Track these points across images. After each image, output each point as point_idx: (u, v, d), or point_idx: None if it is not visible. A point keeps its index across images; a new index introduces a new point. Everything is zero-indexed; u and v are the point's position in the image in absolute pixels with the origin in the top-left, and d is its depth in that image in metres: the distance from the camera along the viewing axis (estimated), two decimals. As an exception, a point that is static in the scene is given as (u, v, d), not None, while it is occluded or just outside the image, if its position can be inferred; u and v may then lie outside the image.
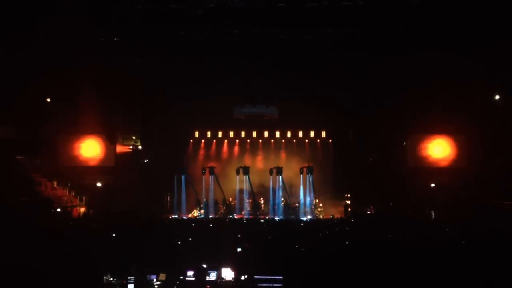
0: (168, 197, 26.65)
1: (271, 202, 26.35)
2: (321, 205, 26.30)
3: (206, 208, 26.49)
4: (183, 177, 26.23)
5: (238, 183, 26.56)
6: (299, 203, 26.55)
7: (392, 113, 23.96)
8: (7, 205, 18.18)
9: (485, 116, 23.33)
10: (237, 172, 26.35)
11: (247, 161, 27.56)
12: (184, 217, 24.92)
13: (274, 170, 26.18)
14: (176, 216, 25.42)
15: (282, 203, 26.80)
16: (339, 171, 27.31)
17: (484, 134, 23.45)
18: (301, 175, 26.24)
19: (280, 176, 26.11)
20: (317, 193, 26.18)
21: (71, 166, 25.98)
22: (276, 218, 24.67)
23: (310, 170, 25.99)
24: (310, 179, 26.07)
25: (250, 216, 25.65)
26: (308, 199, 26.26)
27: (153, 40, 20.39)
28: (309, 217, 25.36)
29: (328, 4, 17.13)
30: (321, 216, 25.28)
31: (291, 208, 26.51)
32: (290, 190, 26.68)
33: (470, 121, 23.91)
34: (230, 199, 26.70)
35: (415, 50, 20.33)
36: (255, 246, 11.75)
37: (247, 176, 26.25)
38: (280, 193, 26.39)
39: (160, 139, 26.82)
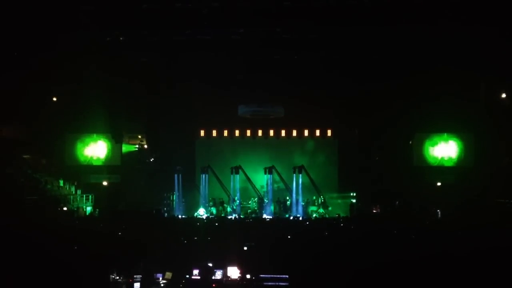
0: (174, 196, 26.67)
1: (265, 200, 26.30)
2: (327, 205, 26.19)
3: (216, 207, 26.49)
4: (180, 175, 26.18)
5: (240, 182, 26.50)
6: (304, 201, 26.48)
7: (398, 111, 23.84)
8: (14, 204, 18.29)
9: (493, 114, 23.18)
10: (231, 172, 26.32)
11: (251, 160, 27.46)
12: (190, 216, 24.93)
13: (268, 169, 26.12)
14: (182, 214, 25.44)
15: (288, 202, 26.78)
16: (344, 170, 27.22)
17: (492, 133, 23.30)
18: (294, 175, 26.09)
19: (271, 175, 25.98)
20: (322, 191, 26.08)
21: (78, 165, 26.09)
22: (268, 217, 24.64)
23: (300, 170, 25.87)
24: (300, 180, 25.87)
25: (253, 215, 25.63)
26: (299, 198, 26.07)
27: (158, 39, 20.41)
28: (314, 215, 25.31)
29: (333, 2, 17.09)
30: (326, 215, 25.20)
31: (286, 207, 26.51)
32: (297, 189, 26.53)
33: (478, 119, 23.76)
34: (235, 198, 26.67)
35: (422, 48, 20.23)
36: (260, 245, 11.76)
37: (238, 176, 26.11)
38: (270, 192, 26.25)
39: (165, 138, 26.83)
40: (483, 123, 23.67)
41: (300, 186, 25.96)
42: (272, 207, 26.37)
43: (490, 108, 23.56)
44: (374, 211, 24.65)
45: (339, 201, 26.83)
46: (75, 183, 25.43)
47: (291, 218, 24.12)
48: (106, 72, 22.44)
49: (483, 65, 20.46)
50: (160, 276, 9.28)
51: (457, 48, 19.73)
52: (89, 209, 24.55)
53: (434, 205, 22.41)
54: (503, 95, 23.74)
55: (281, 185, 26.92)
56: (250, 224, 20.13)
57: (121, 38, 20.52)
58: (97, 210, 24.23)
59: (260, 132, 28.66)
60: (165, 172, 26.46)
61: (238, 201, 26.44)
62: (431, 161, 25.63)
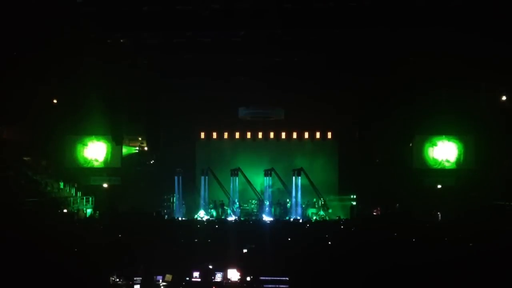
0: (175, 198, 26.66)
1: (266, 203, 26.26)
2: (327, 207, 26.14)
3: (216, 209, 26.49)
4: (180, 177, 26.13)
5: (240, 184, 26.47)
6: (304, 203, 26.47)
7: (399, 113, 23.85)
8: (14, 206, 18.28)
9: (493, 116, 23.20)
10: (232, 174, 26.28)
11: (251, 162, 27.44)
12: (190, 218, 24.91)
13: (267, 171, 26.07)
14: (182, 217, 25.43)
15: (288, 204, 26.76)
16: (345, 172, 27.20)
17: (492, 135, 23.31)
18: (293, 177, 25.99)
19: (271, 177, 25.94)
20: (322, 194, 26.05)
21: (78, 167, 26.07)
22: (268, 219, 24.63)
23: (299, 172, 25.84)
24: (299, 182, 25.78)
25: (253, 217, 25.63)
26: (298, 200, 26.01)
27: (159, 41, 20.43)
28: (314, 217, 25.29)
29: (334, 5, 17.11)
30: (326, 217, 25.18)
31: (286, 209, 26.51)
32: (296, 192, 26.50)
33: (478, 121, 23.78)
34: (235, 200, 26.66)
35: (423, 51, 20.24)
36: (260, 247, 11.75)
37: (237, 178, 26.08)
38: (270, 194, 26.22)
39: (166, 140, 26.85)
40: (483, 125, 23.69)
41: (299, 188, 25.93)
42: (272, 209, 26.37)
43: (490, 110, 23.57)
44: (375, 213, 24.64)
45: (340, 203, 26.80)
46: (75, 185, 25.42)
47: (291, 220, 24.11)
48: (107, 74, 22.45)
49: (483, 66, 20.45)
50: (160, 278, 9.28)
51: (456, 49, 19.73)
52: (89, 211, 24.52)
53: (434, 207, 22.39)
54: (503, 97, 23.75)
55: (281, 187, 26.92)
56: (250, 226, 20.13)
57: (121, 40, 20.54)
58: (97, 212, 24.20)
59: (260, 134, 28.65)
60: (166, 174, 26.45)
61: (237, 204, 26.42)
62: (431, 163, 25.61)
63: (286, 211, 26.68)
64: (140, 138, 27.48)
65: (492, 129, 23.35)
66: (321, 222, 23.09)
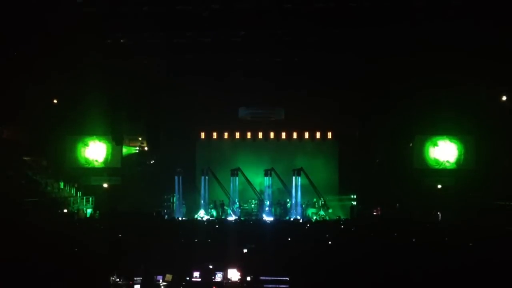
0: (175, 198, 26.67)
1: (266, 202, 26.25)
2: (327, 207, 26.14)
3: (216, 209, 26.49)
4: (180, 177, 26.10)
5: (240, 184, 26.46)
6: (304, 203, 26.47)
7: (399, 114, 23.86)
8: (14, 206, 18.29)
9: (493, 116, 23.21)
10: (232, 174, 26.27)
11: (251, 162, 27.44)
12: (190, 218, 24.92)
13: (267, 171, 26.08)
14: (182, 217, 25.43)
15: (288, 204, 26.77)
16: (345, 172, 27.20)
17: (492, 135, 23.32)
18: (293, 177, 25.96)
19: (271, 177, 25.94)
20: (322, 194, 26.04)
21: (78, 167, 26.10)
22: (268, 219, 24.65)
23: (299, 172, 25.83)
24: (299, 182, 25.76)
25: (253, 217, 25.64)
26: (298, 200, 25.97)
27: (159, 41, 20.44)
28: (314, 217, 25.29)
29: (334, 5, 17.12)
30: (327, 217, 25.18)
31: (286, 209, 26.50)
32: (296, 192, 26.49)
33: (478, 121, 23.79)
34: (235, 200, 26.66)
35: (423, 50, 20.24)
36: (260, 247, 11.75)
37: (237, 178, 26.09)
38: (270, 194, 26.21)
39: (166, 140, 26.86)
40: (484, 125, 23.71)
41: (299, 188, 25.91)
42: (272, 209, 26.36)
43: (490, 110, 23.59)
44: (375, 213, 24.64)
45: (340, 203, 26.80)
46: (76, 185, 25.44)
47: (291, 220, 24.11)
48: (107, 74, 22.47)
49: (483, 66, 20.46)
50: (160, 278, 9.27)
51: (456, 49, 19.73)
52: (89, 211, 24.54)
53: (434, 207, 22.40)
54: (503, 97, 23.77)
55: (281, 187, 26.91)
56: (250, 226, 20.13)
57: (121, 40, 20.55)
58: (98, 212, 24.22)
59: (260, 134, 28.67)
60: (166, 174, 26.45)
61: (237, 203, 26.41)
62: (432, 163, 25.65)
63: (286, 211, 26.69)
64: (140, 138, 27.50)
65: (492, 129, 23.37)
66: (321, 222, 23.09)
